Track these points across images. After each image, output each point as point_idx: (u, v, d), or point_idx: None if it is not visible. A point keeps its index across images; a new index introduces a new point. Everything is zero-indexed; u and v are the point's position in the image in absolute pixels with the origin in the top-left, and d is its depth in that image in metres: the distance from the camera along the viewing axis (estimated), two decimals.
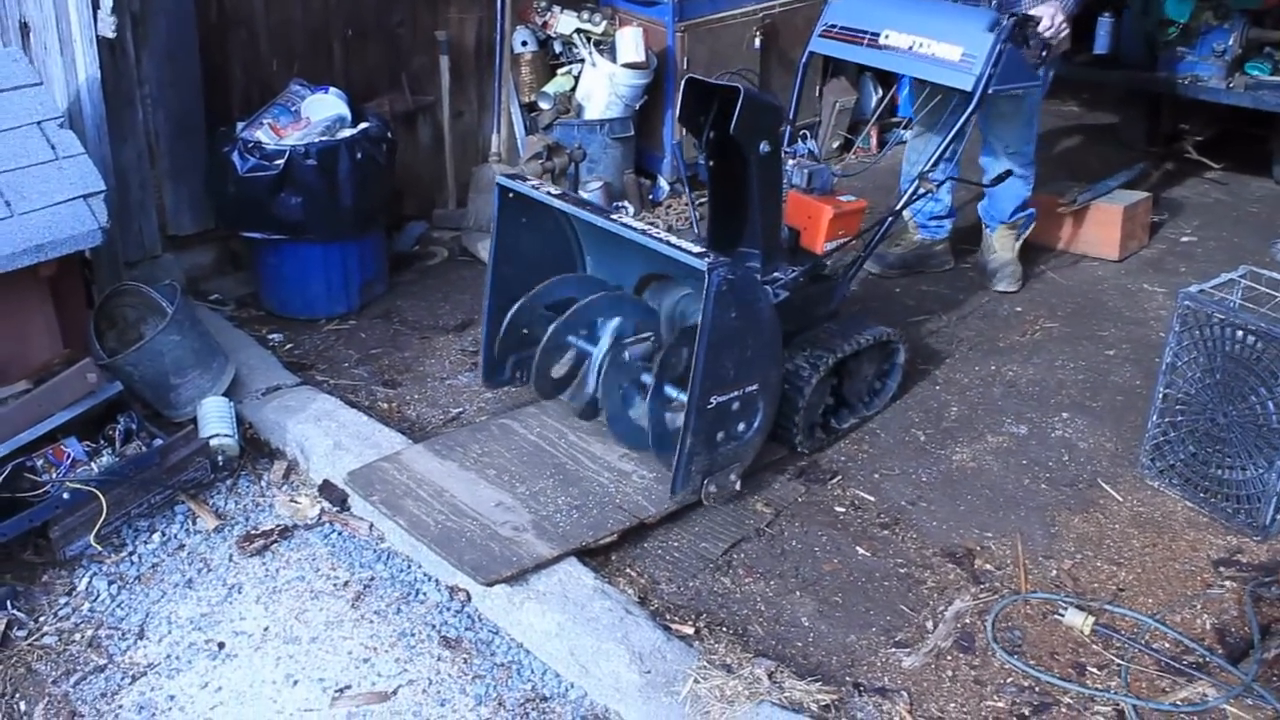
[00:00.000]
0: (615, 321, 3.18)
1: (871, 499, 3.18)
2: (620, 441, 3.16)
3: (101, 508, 2.92)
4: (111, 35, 3.60)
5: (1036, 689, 2.52)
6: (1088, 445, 3.44)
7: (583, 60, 4.95)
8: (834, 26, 3.76)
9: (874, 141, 5.64)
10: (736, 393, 2.93)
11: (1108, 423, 3.54)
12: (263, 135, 3.93)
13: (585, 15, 5.01)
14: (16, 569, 2.89)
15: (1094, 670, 2.58)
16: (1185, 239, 4.91)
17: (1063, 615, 2.71)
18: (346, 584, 2.88)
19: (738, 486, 3.08)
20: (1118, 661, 2.59)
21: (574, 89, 4.95)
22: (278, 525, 3.06)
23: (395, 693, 2.55)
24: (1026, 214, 4.40)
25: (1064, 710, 2.47)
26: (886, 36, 3.60)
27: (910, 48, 3.55)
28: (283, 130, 3.99)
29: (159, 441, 3.11)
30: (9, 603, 2.75)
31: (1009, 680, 2.55)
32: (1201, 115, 5.65)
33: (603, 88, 4.85)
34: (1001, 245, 4.38)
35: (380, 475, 3.05)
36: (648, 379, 3.05)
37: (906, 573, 2.90)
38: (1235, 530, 3.03)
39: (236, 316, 4.08)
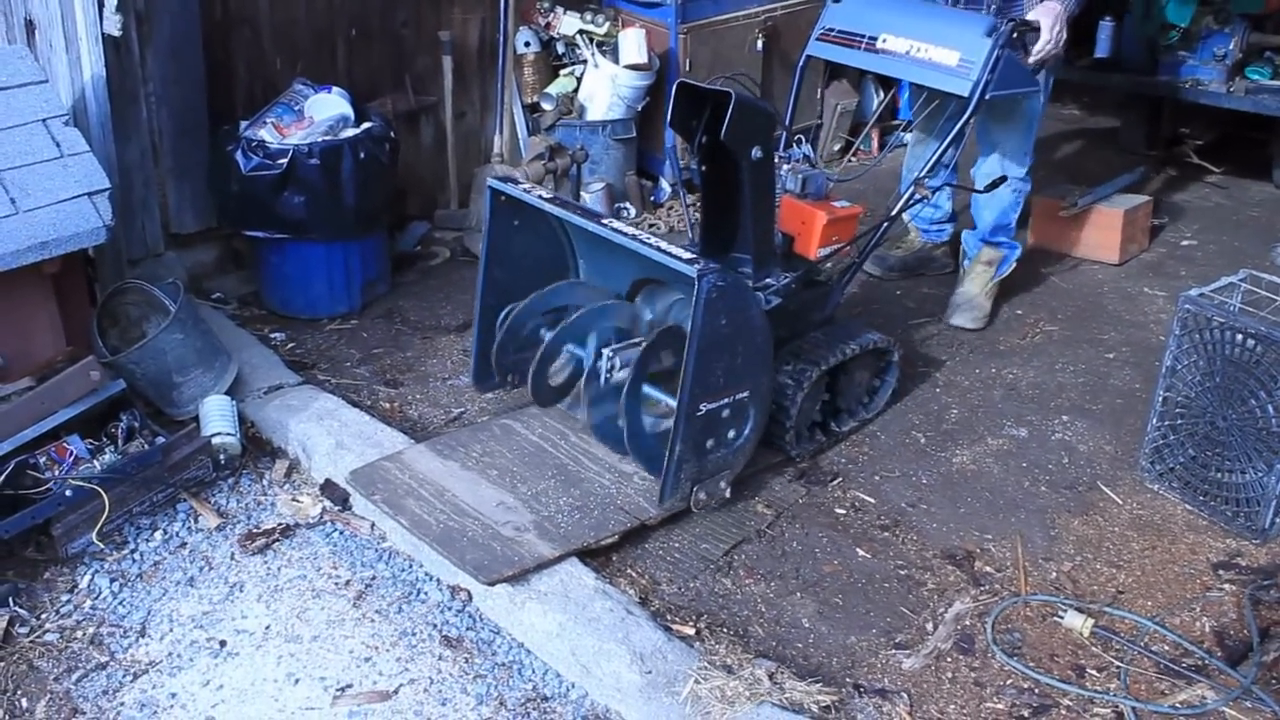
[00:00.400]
0: (610, 329, 3.18)
1: (872, 501, 3.19)
2: (607, 446, 3.17)
3: (104, 505, 2.92)
4: (117, 33, 3.61)
5: (1036, 691, 2.53)
6: (1088, 448, 3.45)
7: (585, 61, 4.96)
8: (831, 30, 3.73)
9: (875, 144, 5.65)
10: (727, 400, 2.91)
11: (1108, 426, 3.55)
12: (266, 134, 3.94)
13: (588, 16, 5.02)
14: (19, 566, 2.90)
15: (1093, 672, 2.59)
16: (1185, 243, 4.92)
17: (1062, 617, 2.72)
18: (348, 583, 2.88)
19: (728, 494, 3.06)
20: (1117, 664, 2.60)
21: (576, 90, 4.96)
22: (279, 524, 3.07)
23: (396, 692, 2.56)
24: (1010, 248, 4.24)
25: (1063, 712, 2.48)
26: (884, 41, 3.57)
27: (907, 52, 3.53)
28: (286, 129, 4.00)
29: (161, 439, 3.12)
30: (11, 599, 2.75)
31: (1009, 682, 2.56)
32: (1202, 119, 5.67)
33: (605, 89, 4.85)
34: (972, 280, 4.20)
35: (382, 474, 3.06)
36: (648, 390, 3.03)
37: (907, 574, 2.90)
38: (1234, 533, 3.03)
39: (239, 315, 4.08)
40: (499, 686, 2.57)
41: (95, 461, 3.03)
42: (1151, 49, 5.41)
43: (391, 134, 4.10)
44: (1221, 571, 2.92)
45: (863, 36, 3.63)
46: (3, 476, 2.88)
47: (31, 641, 2.67)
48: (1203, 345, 3.04)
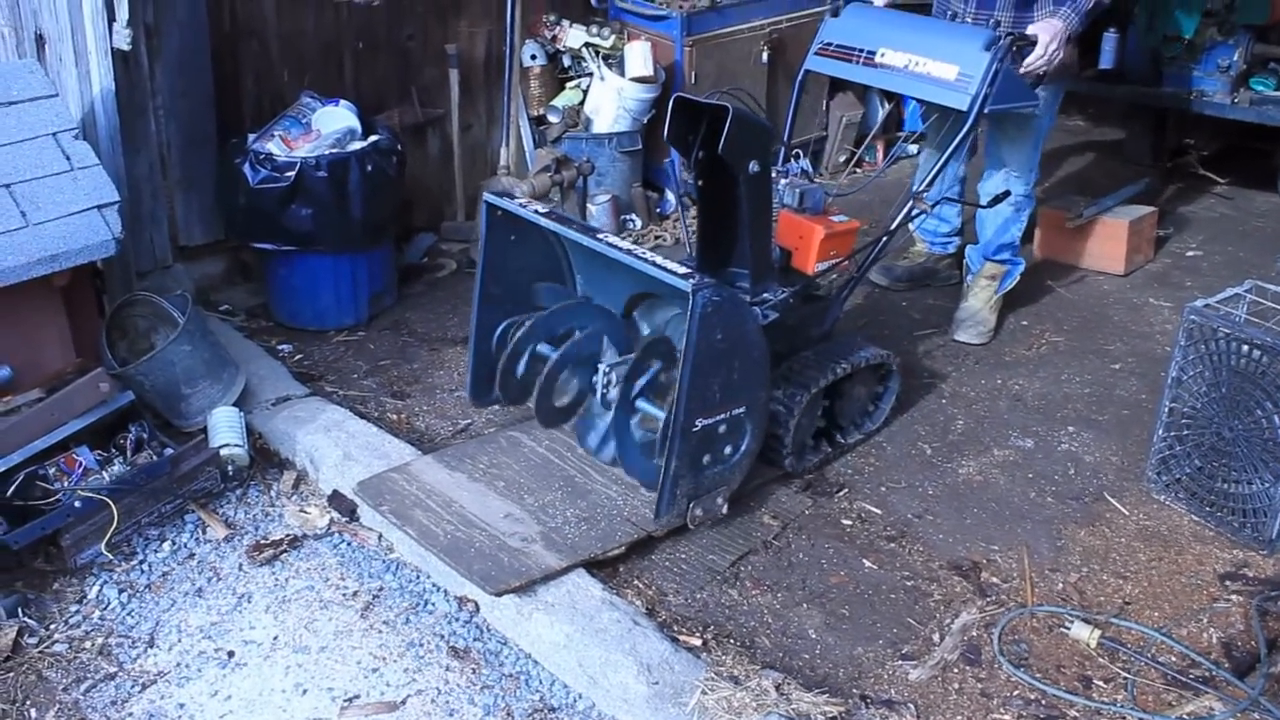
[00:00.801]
0: (610, 349, 3.15)
1: (878, 512, 3.20)
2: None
3: (112, 516, 2.93)
4: (127, 47, 3.63)
5: (1043, 702, 2.53)
6: (1094, 459, 3.45)
7: (591, 74, 4.98)
8: (830, 45, 3.71)
9: (880, 155, 5.66)
10: (723, 415, 2.89)
11: (1113, 437, 3.55)
12: (274, 147, 3.96)
13: (594, 29, 5.04)
14: (28, 576, 2.91)
15: (1100, 684, 2.59)
16: (1190, 253, 4.92)
17: (1069, 628, 2.72)
18: (355, 594, 2.89)
19: (724, 510, 3.04)
20: (1124, 675, 2.60)
21: (582, 103, 4.98)
22: (287, 535, 3.08)
23: (404, 702, 2.56)
24: (1013, 263, 4.23)
25: None
26: (882, 55, 3.55)
27: (906, 66, 3.50)
28: (293, 142, 4.02)
29: (170, 451, 3.13)
30: (20, 610, 2.76)
31: (1015, 693, 2.56)
32: (1206, 130, 5.68)
33: (611, 101, 4.87)
34: (976, 295, 4.19)
35: (390, 486, 3.07)
36: (643, 405, 3.00)
37: (913, 585, 2.91)
38: (1241, 544, 3.03)
39: (246, 327, 4.10)
40: (506, 697, 2.58)
41: (104, 473, 3.04)
42: (1156, 60, 5.41)
43: (398, 146, 4.12)
44: (1229, 582, 2.92)
45: (861, 51, 3.61)
46: (12, 487, 2.90)
47: (40, 652, 2.68)
48: (1208, 356, 3.04)
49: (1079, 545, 3.06)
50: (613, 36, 5.04)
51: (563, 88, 5.07)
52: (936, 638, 2.73)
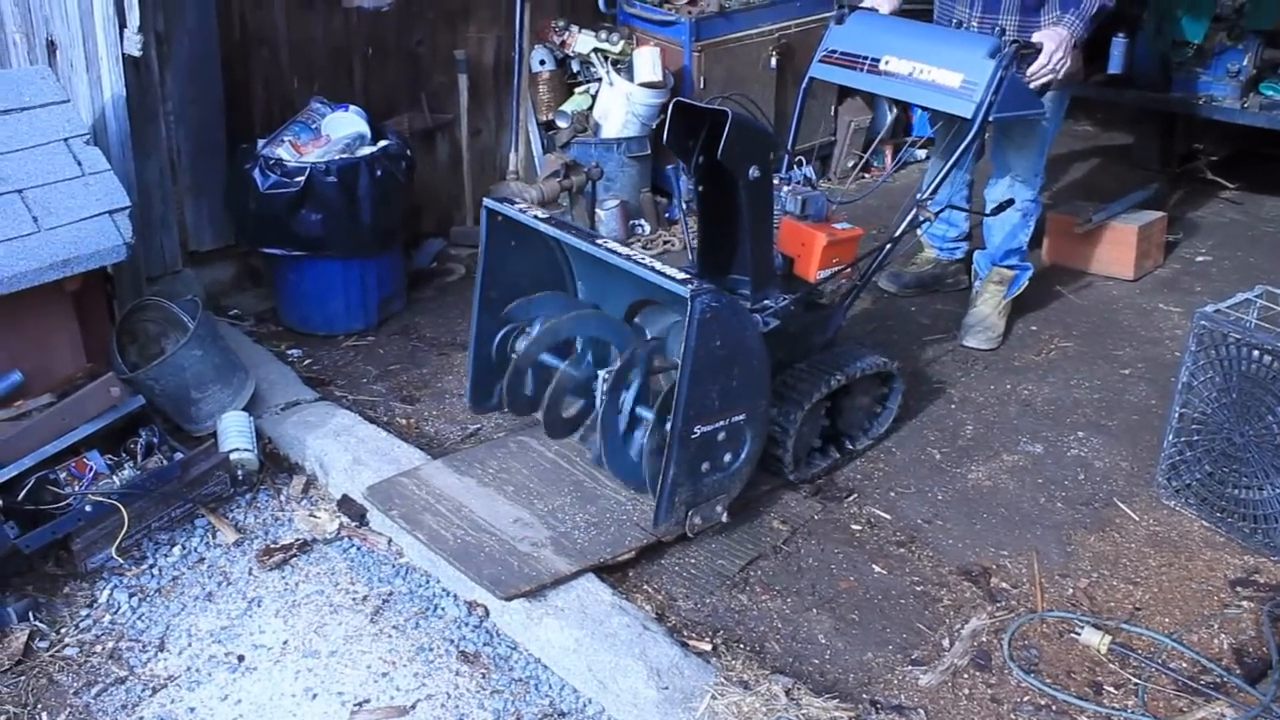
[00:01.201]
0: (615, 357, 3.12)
1: (888, 517, 3.19)
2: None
3: (123, 521, 2.94)
4: (137, 53, 3.64)
5: (1053, 708, 2.52)
6: (1103, 464, 3.44)
7: (600, 79, 4.99)
8: (834, 52, 3.69)
9: (888, 160, 5.66)
10: (722, 423, 2.85)
11: (1123, 442, 3.55)
12: (283, 152, 3.97)
13: (603, 35, 5.05)
14: (39, 581, 2.91)
15: (1111, 689, 2.58)
16: (1200, 258, 4.92)
17: (1079, 634, 2.72)
18: (365, 598, 2.89)
19: (724, 519, 3.01)
20: (1135, 681, 2.59)
21: (591, 108, 4.99)
22: (297, 539, 3.08)
23: (414, 707, 2.56)
24: (1021, 269, 4.22)
25: None
26: (887, 62, 3.52)
27: (910, 74, 3.48)
28: (303, 147, 4.03)
29: (180, 455, 3.14)
30: (31, 614, 2.77)
31: (1025, 699, 2.56)
32: (1216, 135, 5.67)
33: (620, 107, 4.88)
34: (984, 300, 4.17)
35: (399, 490, 3.07)
36: (643, 412, 2.97)
37: (923, 591, 2.90)
38: (1252, 550, 3.02)
39: (256, 332, 4.11)
40: (516, 702, 2.58)
41: (114, 477, 3.05)
42: (1165, 65, 5.41)
43: (408, 152, 4.13)
44: (1240, 588, 2.91)
45: (865, 58, 3.59)
46: (23, 492, 2.91)
47: (51, 656, 2.68)
48: (1219, 361, 3.03)
49: (1089, 551, 3.06)
50: (621, 42, 5.06)
51: (571, 93, 5.08)
52: (946, 643, 2.72)
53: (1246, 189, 5.59)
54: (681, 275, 2.75)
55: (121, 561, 2.96)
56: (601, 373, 3.07)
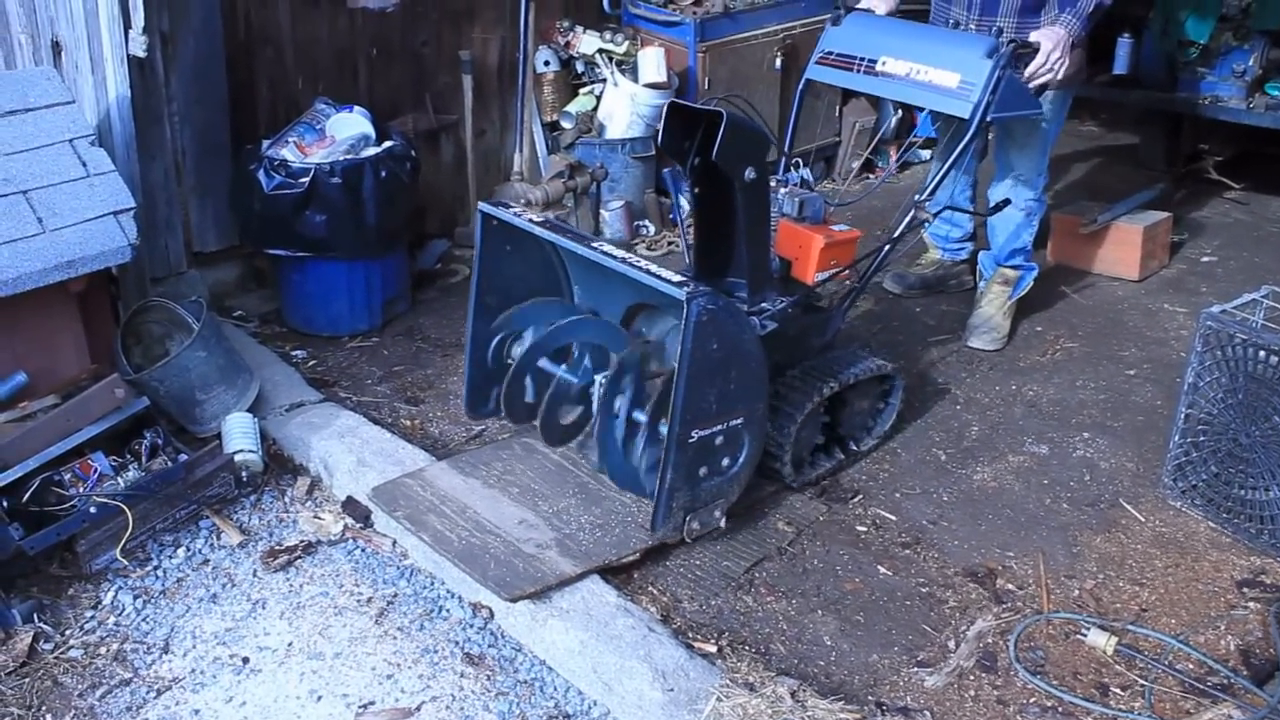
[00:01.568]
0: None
1: (893, 518, 3.19)
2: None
3: (127, 522, 2.94)
4: (142, 54, 3.64)
5: (1060, 709, 2.52)
6: (1109, 465, 3.43)
7: (605, 80, 4.99)
8: (830, 53, 3.66)
9: (893, 160, 5.66)
10: (720, 426, 2.83)
11: (1129, 443, 3.54)
12: (288, 153, 3.97)
13: (607, 36, 5.05)
14: (43, 582, 2.92)
15: (1117, 691, 2.57)
16: (1206, 259, 4.91)
17: (1085, 635, 2.71)
18: (370, 600, 2.89)
19: (723, 523, 2.99)
20: (1141, 682, 2.58)
21: (596, 108, 4.99)
22: (301, 541, 3.08)
23: (418, 709, 2.56)
24: (1026, 269, 4.21)
25: None
26: (883, 63, 3.50)
27: (907, 75, 3.45)
28: (308, 148, 4.03)
29: (184, 457, 3.14)
30: (36, 615, 2.77)
31: (1032, 700, 2.55)
32: (1221, 135, 5.66)
33: (624, 107, 4.88)
34: (989, 301, 4.16)
35: (404, 491, 3.07)
36: (639, 415, 2.94)
37: (928, 592, 2.90)
38: (1259, 551, 3.02)
39: (260, 333, 4.11)
40: (521, 704, 2.57)
41: (119, 478, 3.05)
42: (1170, 65, 5.40)
43: (412, 152, 4.13)
44: (1246, 589, 2.90)
45: (862, 59, 3.56)
46: (28, 493, 2.91)
47: (56, 657, 2.68)
48: (1225, 362, 3.03)
49: (1095, 552, 3.05)
50: (626, 43, 5.05)
51: (576, 94, 5.08)
52: (952, 644, 2.72)
53: (1252, 189, 5.58)
54: (677, 278, 2.73)
55: (126, 563, 2.96)
56: (598, 378, 3.04)
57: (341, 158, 3.94)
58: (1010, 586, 2.92)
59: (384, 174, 3.93)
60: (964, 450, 3.51)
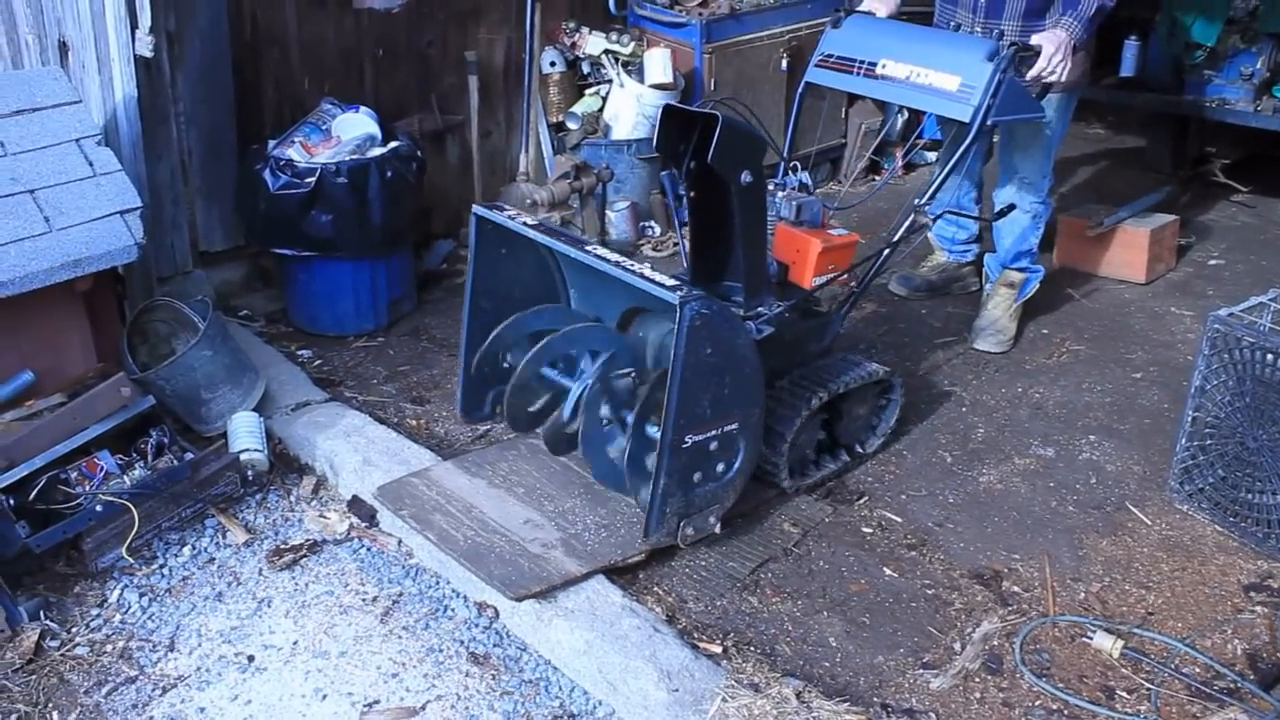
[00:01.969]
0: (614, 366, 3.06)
1: (898, 520, 3.18)
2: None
3: (133, 520, 2.94)
4: (149, 54, 3.65)
5: (1065, 712, 2.51)
6: (1115, 468, 3.43)
7: (610, 81, 4.99)
8: (830, 56, 3.64)
9: (898, 162, 5.65)
10: (714, 432, 2.80)
11: (1135, 446, 3.53)
12: (294, 153, 3.98)
13: (613, 36, 5.05)
14: (49, 580, 2.92)
15: (1123, 694, 2.57)
16: (1213, 262, 4.90)
17: (1091, 638, 2.70)
18: (375, 599, 2.89)
19: (717, 529, 2.97)
20: (1147, 685, 2.58)
21: (602, 109, 4.99)
22: (307, 540, 3.08)
23: (423, 708, 2.56)
24: (1032, 271, 4.19)
25: None
26: (883, 66, 3.48)
27: (908, 78, 3.43)
28: (314, 148, 4.03)
29: (190, 456, 3.14)
30: (42, 613, 2.77)
31: (1037, 703, 2.54)
32: (1228, 138, 5.65)
33: (630, 108, 4.88)
34: (995, 303, 4.15)
35: (410, 490, 3.07)
36: (628, 418, 2.93)
37: (934, 594, 2.89)
38: (1266, 554, 3.01)
39: (266, 332, 4.11)
40: (526, 703, 2.57)
41: (125, 477, 3.05)
42: (1177, 68, 5.39)
43: (418, 153, 4.14)
44: (1253, 593, 2.90)
45: (862, 62, 3.54)
46: (34, 491, 2.91)
47: (62, 655, 2.69)
48: (1232, 365, 3.02)
49: (1101, 555, 3.04)
50: (632, 43, 5.05)
51: (582, 95, 5.08)
52: (958, 646, 2.71)
53: (1259, 192, 5.57)
54: (671, 282, 2.71)
55: (132, 561, 2.96)
56: (574, 385, 3.01)
57: (347, 158, 3.94)
58: (1016, 589, 2.91)
59: (389, 174, 3.94)
60: (970, 452, 3.51)
